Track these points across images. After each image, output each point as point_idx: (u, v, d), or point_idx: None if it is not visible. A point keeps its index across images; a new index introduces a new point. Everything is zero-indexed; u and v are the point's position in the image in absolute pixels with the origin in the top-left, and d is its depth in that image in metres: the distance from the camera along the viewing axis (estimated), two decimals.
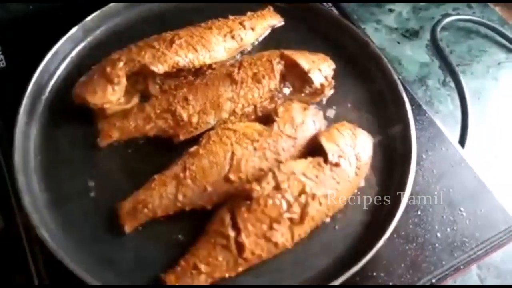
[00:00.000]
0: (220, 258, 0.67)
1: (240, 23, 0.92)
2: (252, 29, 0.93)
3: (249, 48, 0.94)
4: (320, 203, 0.71)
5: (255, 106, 0.82)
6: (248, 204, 0.68)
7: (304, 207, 0.69)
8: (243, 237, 0.67)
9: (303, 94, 0.86)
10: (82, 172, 0.78)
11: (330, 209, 0.73)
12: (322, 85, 0.84)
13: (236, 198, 0.70)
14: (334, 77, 0.88)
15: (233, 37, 0.90)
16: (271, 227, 0.68)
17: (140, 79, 0.84)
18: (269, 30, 0.97)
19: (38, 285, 0.70)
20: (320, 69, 0.85)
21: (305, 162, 0.72)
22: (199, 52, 0.85)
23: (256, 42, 0.95)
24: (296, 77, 0.85)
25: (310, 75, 0.83)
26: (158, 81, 0.85)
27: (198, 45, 0.85)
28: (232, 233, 0.67)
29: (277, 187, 0.68)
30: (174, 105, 0.80)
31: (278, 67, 0.83)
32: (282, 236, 0.68)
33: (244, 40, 0.91)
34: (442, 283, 0.74)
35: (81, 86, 0.82)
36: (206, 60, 0.85)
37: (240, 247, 0.67)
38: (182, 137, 0.79)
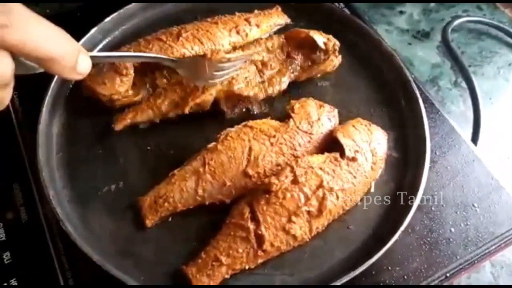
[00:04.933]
0: (240, 250, 0.68)
1: (246, 19, 0.95)
2: (257, 25, 0.95)
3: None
4: (337, 197, 0.72)
5: (262, 73, 0.86)
6: (267, 197, 0.69)
7: (321, 201, 0.71)
8: (263, 229, 0.68)
9: (310, 63, 0.89)
10: (103, 168, 0.80)
11: (347, 203, 0.74)
12: (326, 44, 0.87)
13: (255, 191, 0.72)
14: (346, 76, 0.91)
15: (238, 32, 0.92)
16: (289, 220, 0.69)
17: (148, 72, 0.87)
18: (275, 29, 0.99)
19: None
20: (321, 33, 0.89)
21: (322, 157, 0.74)
22: (205, 45, 0.87)
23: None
24: (302, 56, 0.89)
25: (311, 34, 0.86)
26: (166, 74, 0.87)
27: (204, 38, 0.88)
28: (251, 226, 0.69)
29: (295, 181, 0.70)
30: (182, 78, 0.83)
31: (280, 39, 0.88)
32: (301, 229, 0.70)
33: (249, 36, 0.94)
34: (456, 277, 0.75)
35: (91, 78, 0.84)
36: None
37: (260, 239, 0.68)
38: (191, 103, 0.81)
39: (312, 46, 0.88)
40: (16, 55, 0.48)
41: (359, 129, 0.79)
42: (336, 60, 0.90)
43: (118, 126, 0.82)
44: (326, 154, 0.75)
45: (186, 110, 0.82)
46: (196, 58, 0.82)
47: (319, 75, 0.92)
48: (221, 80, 0.81)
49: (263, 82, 0.86)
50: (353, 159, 0.75)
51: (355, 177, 0.74)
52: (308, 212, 0.70)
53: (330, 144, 0.78)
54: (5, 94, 0.50)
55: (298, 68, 0.89)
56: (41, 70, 0.54)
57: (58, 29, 0.51)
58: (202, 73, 0.79)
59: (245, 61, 0.85)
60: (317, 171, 0.71)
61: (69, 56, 0.52)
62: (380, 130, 0.82)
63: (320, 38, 0.87)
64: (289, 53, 0.88)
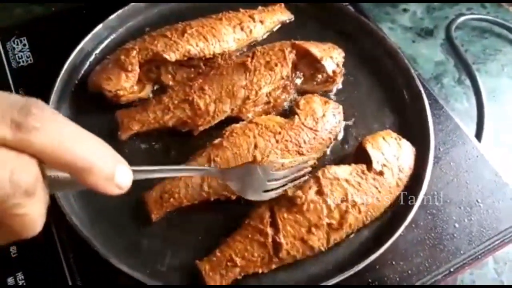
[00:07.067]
0: (256, 254, 0.68)
1: (250, 16, 0.96)
2: (261, 22, 0.96)
3: (258, 40, 0.97)
4: (360, 211, 0.71)
5: (269, 95, 0.85)
6: (289, 206, 0.69)
7: (343, 214, 0.70)
8: (281, 237, 0.68)
9: (314, 83, 0.89)
10: None
11: (368, 217, 0.73)
12: (334, 72, 0.87)
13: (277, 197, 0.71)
14: (351, 73, 0.91)
15: (242, 29, 0.93)
16: (309, 231, 0.69)
17: (153, 68, 0.88)
18: (278, 25, 1.00)
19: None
20: (332, 56, 0.88)
21: (348, 168, 0.73)
22: (210, 41, 0.88)
23: (266, 36, 0.99)
24: (307, 66, 0.88)
25: (322, 62, 0.86)
26: (171, 70, 0.88)
27: (209, 35, 0.88)
28: (270, 231, 0.68)
29: (320, 192, 0.69)
30: (191, 95, 0.82)
31: (290, 56, 0.86)
32: (319, 241, 0.69)
33: (253, 33, 0.95)
34: (460, 272, 0.75)
35: (96, 74, 0.86)
36: (216, 49, 0.89)
37: (277, 246, 0.68)
38: (200, 127, 0.82)
39: (319, 67, 0.87)
40: (43, 162, 0.39)
41: (389, 141, 0.77)
42: (339, 80, 0.90)
43: (124, 136, 0.83)
44: (353, 165, 0.73)
45: (195, 133, 0.83)
46: (246, 165, 0.71)
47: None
48: (276, 194, 0.71)
49: (268, 102, 0.86)
50: (380, 173, 0.73)
51: (379, 191, 0.73)
52: (329, 225, 0.69)
53: (360, 153, 0.77)
54: (31, 210, 0.39)
55: (301, 79, 0.88)
56: (76, 189, 0.48)
57: (89, 133, 0.42)
58: (255, 183, 0.70)
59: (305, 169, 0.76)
60: (343, 183, 0.70)
61: (106, 164, 0.42)
62: (409, 144, 0.80)
63: (330, 65, 0.87)
64: (295, 66, 0.87)
